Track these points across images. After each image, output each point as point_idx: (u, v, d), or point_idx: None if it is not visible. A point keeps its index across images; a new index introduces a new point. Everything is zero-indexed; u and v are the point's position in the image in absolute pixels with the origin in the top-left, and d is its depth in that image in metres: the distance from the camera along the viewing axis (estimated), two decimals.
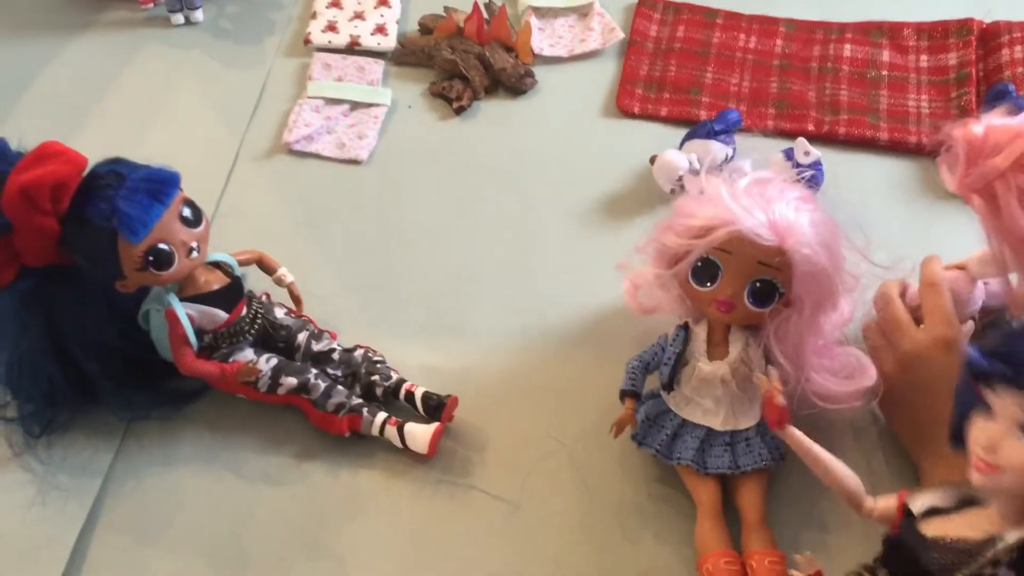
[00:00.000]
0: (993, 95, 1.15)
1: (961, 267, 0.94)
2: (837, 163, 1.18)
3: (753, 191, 0.84)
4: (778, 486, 0.89)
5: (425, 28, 1.36)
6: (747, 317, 0.85)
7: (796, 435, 0.77)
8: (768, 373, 0.84)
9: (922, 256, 1.03)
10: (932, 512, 0.70)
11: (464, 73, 1.28)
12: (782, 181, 0.87)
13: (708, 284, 0.84)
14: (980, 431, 0.64)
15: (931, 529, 0.69)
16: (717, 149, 1.13)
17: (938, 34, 1.32)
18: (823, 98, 1.26)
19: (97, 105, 1.27)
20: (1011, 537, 0.64)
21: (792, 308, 0.85)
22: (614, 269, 0.96)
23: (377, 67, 1.31)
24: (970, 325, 0.95)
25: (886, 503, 0.74)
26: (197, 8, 1.38)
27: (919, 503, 0.72)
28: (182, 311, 0.88)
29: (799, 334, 0.85)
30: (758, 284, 0.83)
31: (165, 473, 0.91)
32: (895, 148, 1.21)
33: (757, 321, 0.86)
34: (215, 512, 0.88)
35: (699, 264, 0.85)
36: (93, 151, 0.86)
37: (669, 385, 0.88)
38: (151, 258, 0.84)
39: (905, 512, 0.72)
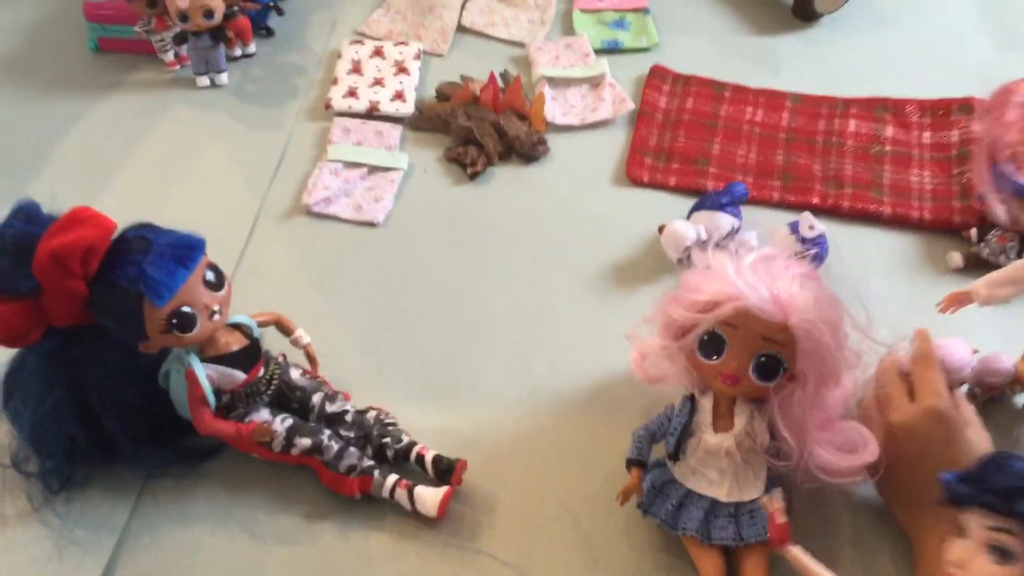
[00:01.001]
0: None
1: (966, 293, 0.97)
2: (841, 236, 1.21)
3: (759, 267, 0.87)
4: (782, 559, 0.90)
5: (442, 95, 1.41)
6: (752, 391, 0.87)
7: (798, 555, 0.80)
8: (771, 495, 0.87)
9: (924, 324, 1.06)
10: None
11: (479, 139, 1.32)
12: (787, 258, 0.90)
13: (714, 357, 0.87)
14: (953, 548, 0.69)
15: None
16: (724, 221, 1.16)
17: (941, 112, 1.36)
18: (828, 172, 1.30)
19: (124, 163, 1.31)
20: None
21: (796, 383, 0.87)
22: (622, 338, 0.98)
23: (395, 132, 1.35)
24: (962, 390, 0.98)
25: None
26: (222, 71, 1.43)
27: None
28: (202, 372, 0.91)
29: (802, 408, 0.87)
30: (763, 359, 0.85)
31: (179, 530, 0.93)
32: (898, 223, 1.24)
33: (762, 395, 0.88)
34: (228, 570, 0.90)
35: (705, 338, 0.87)
36: (120, 208, 0.89)
37: (675, 455, 0.90)
38: (175, 321, 0.86)
39: None
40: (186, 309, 0.87)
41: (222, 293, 0.90)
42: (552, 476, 0.98)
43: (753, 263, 0.88)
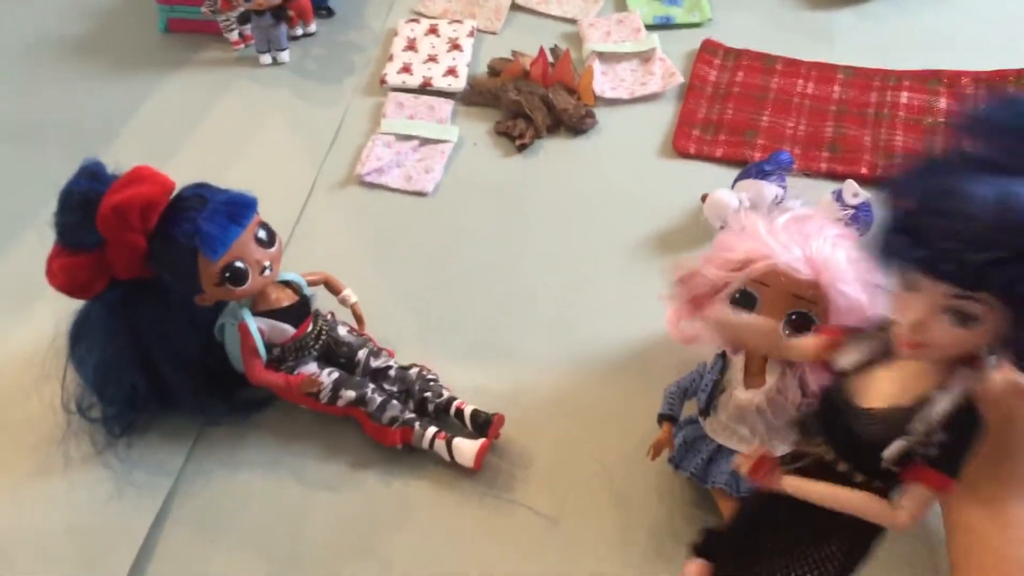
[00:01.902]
0: None
1: None
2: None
3: (792, 227, 0.88)
4: None
5: (493, 71, 1.44)
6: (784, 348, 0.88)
7: (793, 481, 0.74)
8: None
9: None
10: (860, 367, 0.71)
11: (528, 113, 1.35)
12: (821, 219, 0.90)
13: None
14: (907, 310, 0.65)
15: (862, 393, 0.70)
16: (768, 190, 1.17)
17: (996, 82, 1.34)
18: (878, 143, 1.29)
19: (190, 135, 1.37)
20: (940, 405, 0.65)
21: None
22: (661, 304, 1.00)
23: (447, 106, 1.39)
24: None
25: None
26: (284, 50, 1.48)
27: (846, 359, 0.72)
28: (254, 325, 0.96)
29: None
30: (794, 316, 0.86)
31: (231, 475, 0.98)
32: None
33: None
34: (275, 513, 0.95)
35: (737, 296, 0.88)
36: (185, 176, 0.94)
37: (706, 411, 0.92)
38: (228, 274, 0.91)
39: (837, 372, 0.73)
40: (238, 264, 0.91)
41: (273, 250, 0.95)
42: (588, 435, 1.00)
43: (787, 223, 0.89)
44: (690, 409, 0.95)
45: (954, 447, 0.65)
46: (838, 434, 0.72)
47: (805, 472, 0.73)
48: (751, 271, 0.86)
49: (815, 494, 0.73)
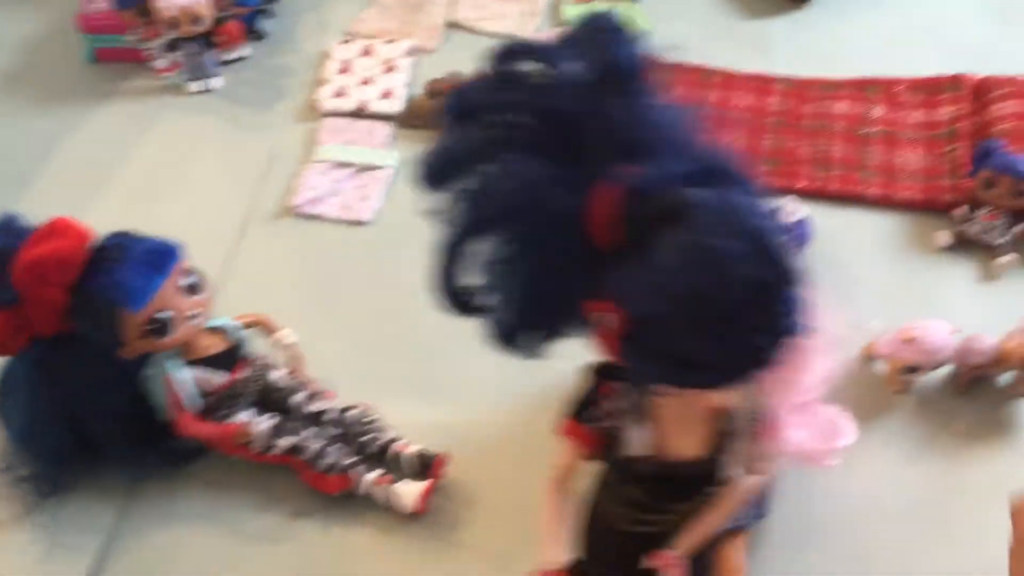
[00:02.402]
0: (981, 151, 1.17)
1: None
2: (828, 218, 1.20)
3: None
4: (756, 545, 0.91)
5: (432, 92, 1.41)
6: None
7: (684, 543, 0.76)
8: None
9: (910, 307, 1.07)
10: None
11: None
12: None
13: None
14: None
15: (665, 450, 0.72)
16: None
17: (931, 89, 1.34)
18: (816, 154, 1.29)
19: (117, 170, 1.33)
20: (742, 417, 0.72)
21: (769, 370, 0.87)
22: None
23: (384, 130, 1.36)
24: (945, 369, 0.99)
25: None
26: (214, 76, 1.45)
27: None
28: (182, 376, 0.93)
29: (772, 395, 0.87)
30: None
31: (165, 530, 0.95)
32: (885, 203, 1.23)
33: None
34: (211, 568, 0.92)
35: None
36: (111, 214, 0.92)
37: None
38: (152, 326, 0.88)
39: None
40: (163, 314, 0.88)
41: (200, 297, 0.92)
42: (538, 471, 0.97)
43: None
44: None
45: (760, 408, 0.72)
46: (676, 491, 0.72)
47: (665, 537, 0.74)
48: None
49: (702, 534, 0.74)
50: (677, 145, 0.62)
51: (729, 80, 1.41)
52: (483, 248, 0.64)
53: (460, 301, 0.66)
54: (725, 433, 0.70)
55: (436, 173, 0.63)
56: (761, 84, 1.40)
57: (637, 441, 0.70)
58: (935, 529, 0.93)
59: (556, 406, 1.03)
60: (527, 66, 0.61)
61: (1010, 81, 1.30)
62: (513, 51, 0.61)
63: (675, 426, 0.69)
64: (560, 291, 0.63)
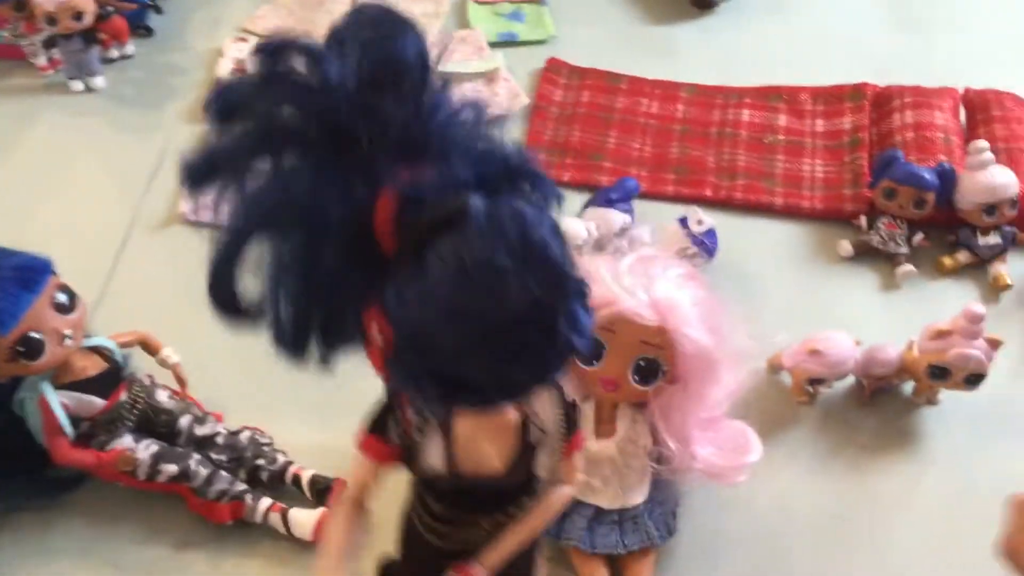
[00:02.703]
0: (882, 161, 1.18)
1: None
2: (734, 228, 1.20)
3: (637, 269, 0.85)
4: (667, 566, 0.89)
5: None
6: (632, 395, 0.85)
7: (489, 561, 0.71)
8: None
9: (814, 314, 1.09)
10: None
11: None
12: (666, 258, 0.88)
13: (594, 363, 0.85)
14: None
15: (467, 463, 0.68)
16: (615, 218, 1.14)
17: (833, 98, 1.36)
18: (721, 163, 1.28)
19: None
20: (546, 413, 0.68)
21: (676, 385, 0.85)
22: None
23: None
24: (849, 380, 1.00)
25: None
26: (97, 74, 1.36)
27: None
28: (56, 400, 0.86)
29: (683, 410, 0.86)
30: (642, 363, 0.83)
31: (39, 567, 0.88)
32: (789, 212, 1.23)
33: (643, 399, 0.86)
34: None
35: None
36: None
37: None
38: (21, 348, 0.81)
39: None
40: (33, 335, 0.82)
41: (75, 316, 0.85)
42: None
43: (631, 265, 0.86)
44: None
45: (571, 419, 0.68)
46: (479, 506, 0.69)
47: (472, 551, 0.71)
48: (597, 319, 0.83)
49: (509, 549, 0.70)
50: (466, 147, 0.57)
51: (636, 86, 1.40)
52: (258, 252, 0.59)
53: (234, 308, 0.61)
54: (529, 446, 0.66)
55: (197, 175, 0.57)
56: (668, 91, 1.39)
57: (435, 456, 0.67)
58: (842, 539, 0.93)
59: None
60: (297, 62, 0.56)
61: (912, 90, 1.32)
62: (280, 47, 0.56)
63: (472, 441, 0.65)
64: (337, 299, 0.58)
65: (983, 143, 1.15)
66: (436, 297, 0.52)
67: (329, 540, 0.71)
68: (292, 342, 0.61)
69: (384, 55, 0.56)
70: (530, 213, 0.53)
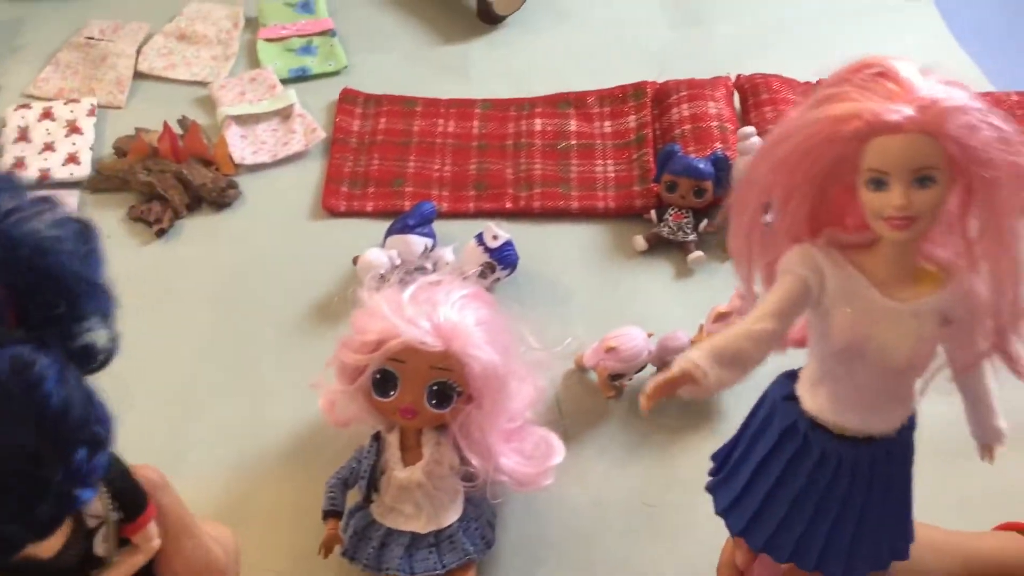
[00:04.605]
0: (663, 156, 1.24)
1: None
2: (535, 236, 1.24)
3: (420, 296, 0.88)
4: (489, 574, 0.92)
5: (120, 151, 1.34)
6: (432, 419, 0.88)
7: None
8: None
9: (616, 310, 1.14)
10: None
11: (162, 194, 1.26)
12: (450, 282, 0.90)
13: (391, 394, 0.87)
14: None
15: None
16: (415, 242, 1.17)
17: (617, 99, 1.42)
18: (519, 174, 1.32)
19: None
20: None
21: (472, 403, 0.88)
22: (308, 387, 0.96)
23: (72, 198, 1.27)
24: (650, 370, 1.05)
25: None
26: None
27: None
28: None
29: (481, 427, 0.89)
30: (435, 387, 0.86)
31: None
32: (586, 214, 1.28)
33: (443, 421, 0.89)
34: None
35: (378, 376, 0.87)
36: None
37: (368, 497, 0.90)
38: None
39: None
40: None
41: None
42: (259, 541, 0.94)
43: (414, 294, 0.88)
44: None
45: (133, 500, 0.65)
46: None
47: None
48: (386, 350, 0.85)
49: None
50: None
51: (432, 107, 1.43)
52: None
53: None
54: (84, 528, 0.63)
55: None
56: (463, 108, 1.43)
57: None
58: (654, 526, 0.97)
59: (277, 473, 1.00)
60: None
61: (687, 83, 1.39)
62: None
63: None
64: None
65: (749, 128, 1.23)
66: None
67: None
68: None
69: None
70: (36, 360, 0.50)
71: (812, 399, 0.71)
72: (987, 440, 0.74)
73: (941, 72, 0.62)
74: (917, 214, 0.61)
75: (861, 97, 0.61)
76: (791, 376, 0.74)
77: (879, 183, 0.62)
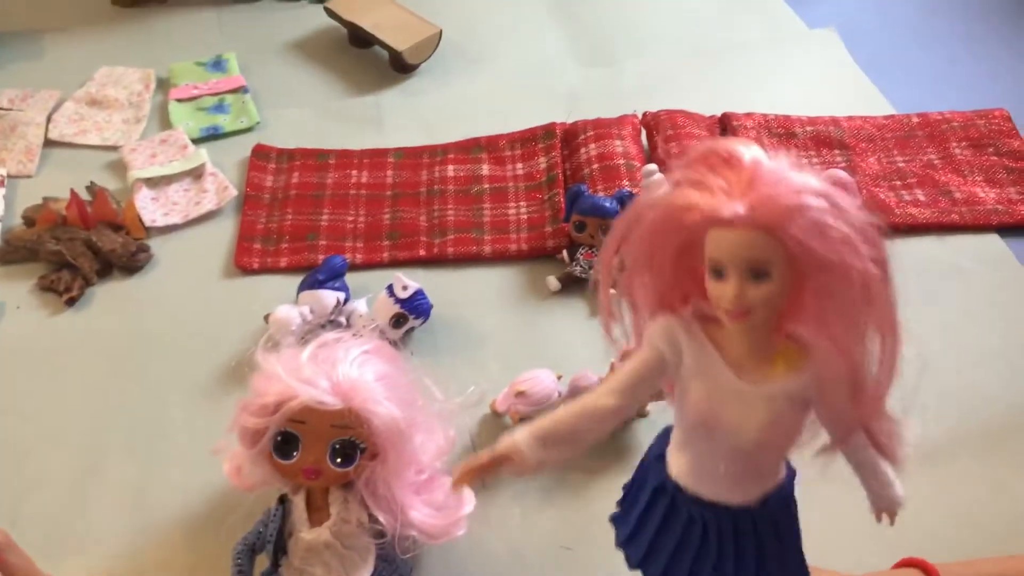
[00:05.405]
0: (570, 196, 1.25)
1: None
2: (449, 282, 1.25)
3: (319, 356, 0.87)
4: None
5: (30, 221, 1.32)
6: (336, 478, 0.87)
7: None
8: None
9: (529, 352, 1.13)
10: None
11: (71, 261, 1.25)
12: (348, 340, 0.90)
13: (293, 455, 0.86)
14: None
15: None
16: (327, 297, 1.16)
17: (528, 141, 1.43)
18: (432, 221, 1.33)
19: None
20: None
21: (377, 459, 0.88)
22: (210, 453, 0.95)
23: None
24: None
25: None
26: None
27: None
28: None
29: (388, 482, 0.88)
30: (337, 445, 0.85)
31: None
32: (498, 257, 1.29)
33: (347, 479, 0.88)
34: None
35: (279, 439, 0.86)
36: None
37: (276, 563, 0.89)
38: None
39: None
40: None
41: None
42: None
43: (313, 353, 0.88)
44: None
45: None
46: None
47: None
48: (285, 412, 0.84)
49: None
50: None
51: (345, 159, 1.43)
52: None
53: None
54: None
55: None
56: (376, 158, 1.43)
57: None
58: (572, 569, 0.97)
59: (188, 541, 0.98)
60: None
61: (594, 123, 1.42)
62: None
63: None
64: None
65: (651, 166, 1.22)
66: None
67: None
68: None
69: None
70: None
71: (676, 463, 0.72)
72: (883, 507, 0.74)
73: (794, 160, 0.61)
74: (751, 307, 0.61)
75: (705, 184, 0.61)
76: (668, 433, 0.75)
77: (718, 273, 0.62)
